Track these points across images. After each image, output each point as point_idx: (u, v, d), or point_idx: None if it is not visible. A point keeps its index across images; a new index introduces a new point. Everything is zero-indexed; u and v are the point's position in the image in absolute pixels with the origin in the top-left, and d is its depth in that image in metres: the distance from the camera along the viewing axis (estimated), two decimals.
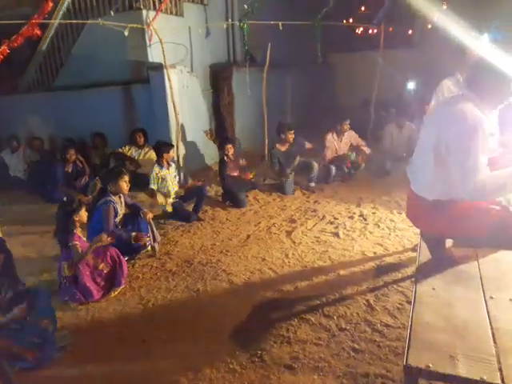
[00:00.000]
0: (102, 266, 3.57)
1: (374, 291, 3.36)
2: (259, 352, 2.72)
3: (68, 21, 7.11)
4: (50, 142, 8.00)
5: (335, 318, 3.04)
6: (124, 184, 4.17)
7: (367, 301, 3.22)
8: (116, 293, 3.60)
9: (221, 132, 8.03)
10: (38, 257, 4.42)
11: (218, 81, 8.10)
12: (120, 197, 4.23)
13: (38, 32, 4.48)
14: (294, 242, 4.44)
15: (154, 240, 4.29)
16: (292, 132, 6.33)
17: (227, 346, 2.82)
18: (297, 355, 2.67)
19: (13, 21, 4.60)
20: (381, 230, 4.60)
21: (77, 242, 3.48)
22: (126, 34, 5.90)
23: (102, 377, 2.65)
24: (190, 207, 5.42)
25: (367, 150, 6.77)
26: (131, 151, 6.77)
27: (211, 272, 3.88)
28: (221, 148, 6.22)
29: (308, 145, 6.65)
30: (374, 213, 5.15)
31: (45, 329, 2.74)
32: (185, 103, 6.96)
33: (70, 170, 6.51)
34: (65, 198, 3.67)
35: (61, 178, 6.39)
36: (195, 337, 2.95)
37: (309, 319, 3.04)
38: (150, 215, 4.27)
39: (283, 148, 6.40)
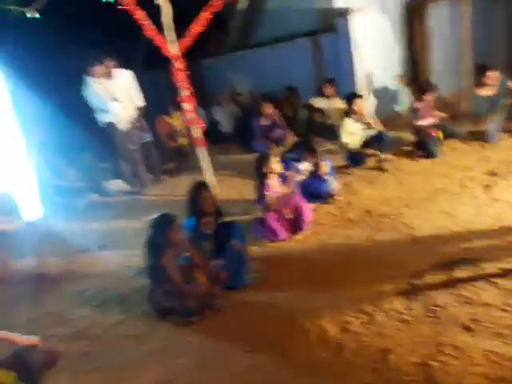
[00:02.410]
0: (286, 212, 3.94)
1: None
2: (435, 308, 2.67)
3: None
4: (250, 98, 8.79)
5: None
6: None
7: None
8: (300, 236, 3.95)
9: (414, 76, 7.46)
10: (240, 199, 5.06)
11: (413, 19, 7.43)
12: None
13: None
14: (491, 199, 4.00)
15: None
16: (494, 73, 5.46)
17: (402, 297, 2.85)
18: (477, 318, 2.53)
19: None
20: None
21: (268, 192, 3.91)
22: None
23: (287, 306, 3.01)
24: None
25: None
26: (320, 102, 6.94)
27: (391, 224, 3.85)
28: (416, 93, 5.83)
29: None
30: None
31: (239, 254, 3.24)
32: (374, 49, 6.69)
33: (266, 123, 7.10)
34: (264, 150, 4.12)
35: (258, 130, 7.05)
36: (370, 284, 3.05)
37: (497, 283, 2.80)
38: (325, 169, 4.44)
39: (484, 92, 5.62)
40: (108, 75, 5.66)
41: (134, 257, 4.14)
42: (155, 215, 3.18)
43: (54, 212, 5.48)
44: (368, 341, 2.50)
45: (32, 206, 3.87)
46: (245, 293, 3.24)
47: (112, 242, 4.60)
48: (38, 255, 4.01)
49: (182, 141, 7.67)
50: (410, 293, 2.86)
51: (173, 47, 4.14)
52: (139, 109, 6.04)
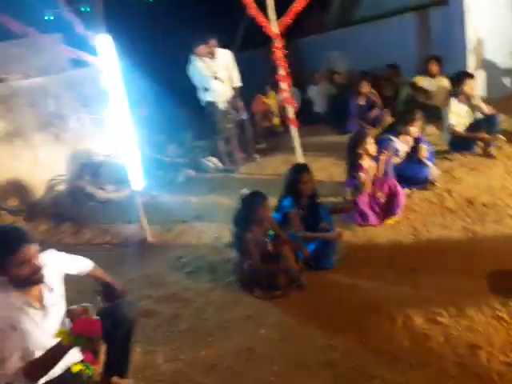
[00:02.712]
0: (379, 194, 3.82)
1: None
2: None
3: None
4: (348, 76, 8.54)
5: None
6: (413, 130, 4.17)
7: None
8: (391, 221, 3.81)
9: None
10: (328, 181, 5.03)
11: None
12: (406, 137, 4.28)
13: None
14: None
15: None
16: None
17: (499, 293, 2.64)
18: None
19: None
20: None
21: (361, 174, 3.81)
22: None
23: (372, 290, 2.96)
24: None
25: None
26: (423, 81, 6.51)
27: (494, 215, 3.55)
28: None
29: None
30: None
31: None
32: (487, 23, 6.06)
33: (362, 103, 6.86)
34: (355, 131, 4.02)
35: (354, 110, 6.84)
36: (464, 276, 2.87)
37: None
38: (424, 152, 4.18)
39: None
40: (211, 54, 5.88)
41: (224, 230, 4.37)
42: (247, 192, 3.28)
43: (155, 185, 5.94)
44: (456, 334, 2.37)
45: (137, 177, 4.22)
46: (330, 274, 3.25)
47: (205, 215, 4.86)
48: (141, 222, 4.38)
49: (276, 120, 7.76)
50: (509, 290, 2.64)
51: (274, 26, 4.17)
52: (236, 88, 6.21)
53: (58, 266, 2.23)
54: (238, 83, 6.21)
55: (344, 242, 3.57)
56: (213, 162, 6.53)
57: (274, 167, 6.09)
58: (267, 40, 4.51)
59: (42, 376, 1.99)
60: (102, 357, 2.35)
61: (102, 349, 2.33)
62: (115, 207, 5.65)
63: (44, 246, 2.13)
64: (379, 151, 3.95)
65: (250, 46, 8.22)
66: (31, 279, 1.98)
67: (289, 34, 4.58)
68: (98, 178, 6.13)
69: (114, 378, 2.43)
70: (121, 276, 3.68)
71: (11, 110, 5.81)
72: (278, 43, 4.30)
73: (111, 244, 4.62)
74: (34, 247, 1.96)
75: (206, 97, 6.02)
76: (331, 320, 2.72)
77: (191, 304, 3.21)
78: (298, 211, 3.36)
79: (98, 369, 2.42)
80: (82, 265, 2.45)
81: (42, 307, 2.07)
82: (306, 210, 3.42)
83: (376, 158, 3.94)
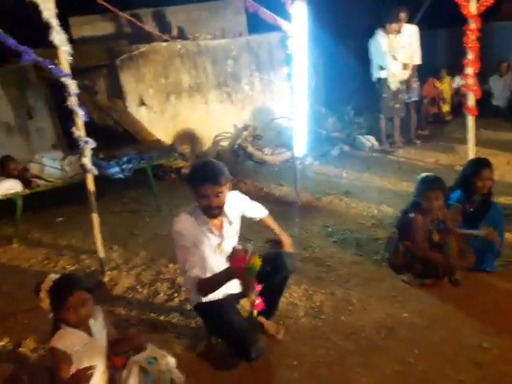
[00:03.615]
0: None
1: None
2: None
3: None
4: None
5: None
6: None
7: None
8: None
9: None
10: (499, 180, 4.49)
11: None
12: None
13: None
14: None
15: None
16: None
17: None
18: None
19: None
20: None
21: None
22: None
23: None
24: None
25: None
26: None
27: None
28: None
29: None
30: None
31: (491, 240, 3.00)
32: None
33: None
34: None
35: None
36: None
37: None
38: None
39: None
40: (397, 31, 5.71)
41: (373, 209, 4.34)
42: (425, 175, 3.17)
43: (309, 155, 6.10)
44: None
45: (301, 143, 4.39)
46: (490, 277, 3.04)
47: (356, 192, 4.87)
48: (295, 186, 4.58)
49: (445, 108, 7.25)
50: None
51: (472, 5, 3.85)
52: (415, 66, 5.97)
53: (239, 205, 2.53)
54: (418, 61, 5.95)
55: (509, 247, 3.27)
56: (370, 140, 6.43)
57: (435, 156, 5.77)
58: (455, 19, 4.20)
59: (208, 293, 2.32)
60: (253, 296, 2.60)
61: (256, 287, 2.59)
62: (270, 169, 6.00)
63: None
64: None
65: (430, 24, 7.65)
66: (206, 211, 2.28)
67: (482, 15, 4.18)
68: (259, 139, 6.53)
69: (262, 318, 2.69)
70: (270, 232, 3.97)
71: (196, 66, 6.46)
72: (474, 25, 3.97)
73: (263, 201, 4.91)
74: (216, 189, 2.22)
75: (379, 73, 5.89)
76: (485, 322, 2.56)
77: (334, 271, 3.31)
78: (465, 207, 3.15)
79: (246, 306, 2.70)
80: (258, 211, 2.73)
81: (221, 235, 2.39)
82: (474, 208, 3.18)
83: None
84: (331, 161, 6.08)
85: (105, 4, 3.28)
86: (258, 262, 2.07)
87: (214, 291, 2.30)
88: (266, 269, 2.35)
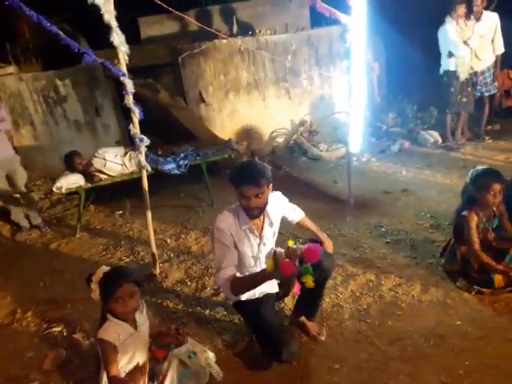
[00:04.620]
0: None
1: None
2: None
3: None
4: None
5: None
6: None
7: None
8: None
9: None
10: None
11: None
12: None
13: None
14: None
15: None
16: None
17: None
18: None
19: None
20: None
21: None
22: None
23: None
24: None
25: None
26: None
27: None
28: None
29: None
30: None
31: None
32: None
33: None
34: None
35: None
36: None
37: None
38: None
39: None
40: (469, 17, 5.37)
41: (433, 209, 4.12)
42: (484, 166, 2.96)
43: (367, 151, 5.92)
44: None
45: (356, 139, 4.25)
46: None
47: (415, 190, 4.65)
48: (349, 184, 4.46)
49: None
50: None
51: None
52: (498, 56, 5.62)
53: (280, 206, 2.51)
54: (500, 50, 5.57)
55: None
56: (433, 136, 6.10)
57: (506, 153, 5.34)
58: None
59: (242, 292, 2.33)
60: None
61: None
62: (324, 166, 5.89)
63: None
64: None
65: (508, 9, 7.05)
66: (247, 211, 2.27)
67: None
68: (315, 135, 6.44)
69: (303, 318, 2.66)
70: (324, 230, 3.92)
71: (255, 62, 6.49)
72: None
73: (315, 198, 4.85)
74: (254, 190, 2.20)
75: (447, 64, 5.56)
76: None
77: (384, 274, 3.19)
78: None
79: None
80: (296, 213, 2.70)
81: (260, 236, 2.38)
82: None
83: None
84: (390, 157, 5.85)
85: (162, 4, 3.36)
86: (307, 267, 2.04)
87: (247, 291, 2.31)
88: None
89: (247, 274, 2.37)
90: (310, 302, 2.63)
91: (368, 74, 5.52)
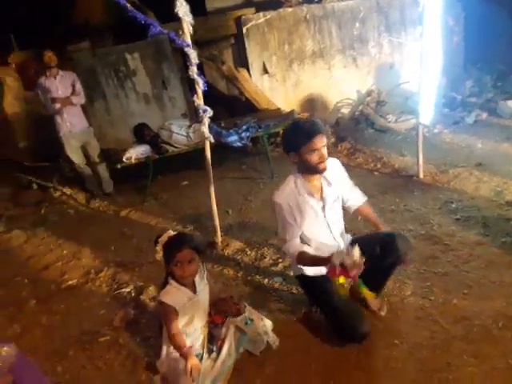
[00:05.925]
0: None
1: None
2: None
3: None
4: None
5: None
6: None
7: None
8: None
9: None
10: None
11: None
12: None
13: None
14: None
15: None
16: None
17: None
18: None
19: None
20: None
21: None
22: None
23: None
24: None
25: None
26: None
27: None
28: None
29: None
30: None
31: None
32: None
33: None
34: None
35: None
36: None
37: None
38: None
39: None
40: None
41: (508, 185, 3.82)
42: None
43: (440, 122, 5.57)
44: None
45: (427, 110, 4.00)
46: None
47: (490, 164, 4.32)
48: (417, 157, 4.23)
49: None
50: None
51: None
52: None
53: (338, 171, 2.44)
54: None
55: None
56: None
57: None
58: None
59: (306, 266, 2.34)
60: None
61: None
62: (392, 138, 5.64)
63: None
64: None
65: None
66: (318, 167, 2.22)
67: None
68: (383, 106, 6.16)
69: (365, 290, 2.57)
70: (383, 205, 3.79)
71: (321, 30, 6.28)
72: None
73: (380, 172, 4.68)
74: (324, 139, 2.18)
75: None
76: None
77: (453, 251, 3.02)
78: None
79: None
80: (356, 195, 2.56)
81: (322, 199, 2.34)
82: None
83: None
84: (465, 129, 5.47)
85: None
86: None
87: (310, 266, 2.32)
88: (376, 248, 2.25)
89: (320, 252, 2.31)
90: (375, 281, 2.54)
91: (448, 40, 5.13)
